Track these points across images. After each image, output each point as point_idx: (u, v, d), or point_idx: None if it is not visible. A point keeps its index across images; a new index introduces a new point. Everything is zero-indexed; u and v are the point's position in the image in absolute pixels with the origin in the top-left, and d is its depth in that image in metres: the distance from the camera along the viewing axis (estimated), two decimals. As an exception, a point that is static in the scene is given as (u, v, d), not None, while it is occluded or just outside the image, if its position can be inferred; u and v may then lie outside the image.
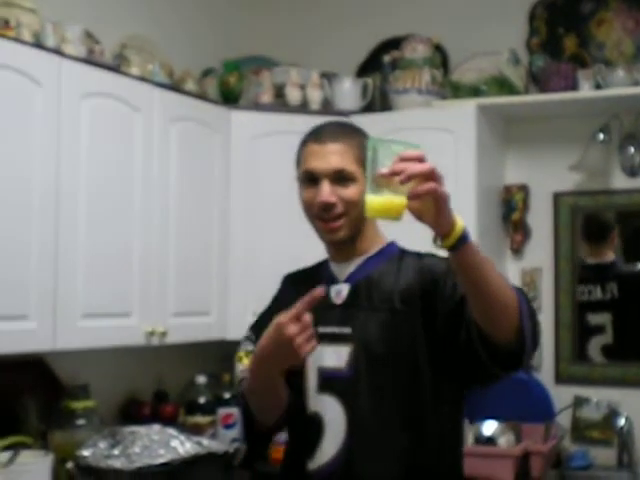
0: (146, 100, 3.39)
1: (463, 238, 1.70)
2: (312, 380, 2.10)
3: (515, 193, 4.07)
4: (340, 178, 2.04)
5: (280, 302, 2.21)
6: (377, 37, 4.43)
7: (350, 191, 2.04)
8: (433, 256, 2.05)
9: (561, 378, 4.00)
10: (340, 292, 2.12)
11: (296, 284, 2.23)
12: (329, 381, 2.07)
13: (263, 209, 3.81)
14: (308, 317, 1.86)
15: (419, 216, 1.67)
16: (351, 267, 2.13)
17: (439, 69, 4.06)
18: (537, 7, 4.12)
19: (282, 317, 1.87)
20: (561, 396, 3.93)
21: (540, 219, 4.09)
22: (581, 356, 3.99)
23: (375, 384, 2.03)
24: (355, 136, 2.12)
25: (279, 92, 4.04)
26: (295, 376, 2.08)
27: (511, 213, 4.06)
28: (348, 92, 4.07)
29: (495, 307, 1.78)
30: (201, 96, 3.78)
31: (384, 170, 1.66)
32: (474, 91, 3.94)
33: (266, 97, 4.00)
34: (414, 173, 1.63)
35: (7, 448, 2.90)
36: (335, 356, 2.07)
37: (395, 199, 1.67)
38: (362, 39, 4.45)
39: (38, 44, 3.03)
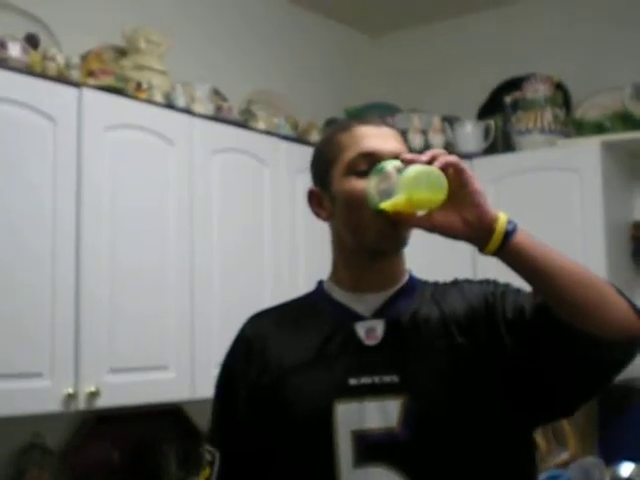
0: (273, 153, 3.48)
1: (509, 232, 1.44)
2: (345, 451, 1.54)
3: (645, 229, 4.00)
4: None
5: (252, 352, 1.67)
6: (497, 78, 4.44)
7: None
8: (469, 281, 1.71)
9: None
10: (373, 330, 1.61)
11: (282, 324, 1.71)
12: (377, 448, 1.54)
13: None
14: None
15: (453, 222, 1.45)
16: (377, 300, 1.64)
17: (561, 107, 4.04)
18: (659, 39, 4.08)
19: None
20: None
21: (672, 255, 4.00)
22: None
23: (445, 446, 1.54)
24: None
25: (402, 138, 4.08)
26: (296, 456, 1.59)
27: (641, 249, 4.00)
28: (470, 135, 4.09)
29: (579, 293, 1.44)
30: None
31: (406, 155, 1.49)
32: (598, 128, 3.90)
33: (389, 144, 4.05)
34: (437, 153, 1.45)
35: (150, 495, 2.99)
36: (381, 414, 1.54)
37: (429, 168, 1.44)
38: (482, 81, 4.47)
39: (169, 104, 3.16)
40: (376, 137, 1.61)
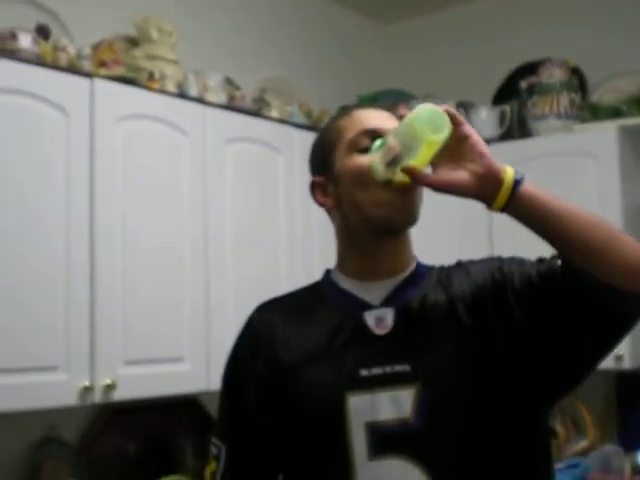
0: (286, 141, 3.46)
1: (518, 180, 1.44)
2: (359, 443, 1.51)
3: (663, 213, 3.96)
4: None
5: (260, 342, 1.65)
6: (512, 63, 4.41)
7: None
8: (472, 261, 1.67)
9: None
10: (382, 319, 1.57)
11: (290, 314, 1.67)
12: (392, 439, 1.51)
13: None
14: None
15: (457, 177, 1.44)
16: (384, 288, 1.61)
17: (577, 92, 3.99)
18: (676, 22, 4.03)
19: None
20: None
21: (691, 239, 3.95)
22: None
23: (459, 432, 1.51)
24: None
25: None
26: (312, 451, 1.57)
27: (660, 234, 3.95)
28: (486, 120, 4.05)
29: (593, 234, 1.44)
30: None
31: (404, 111, 1.51)
32: (614, 112, 3.86)
33: (403, 131, 4.02)
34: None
35: (166, 487, 2.99)
36: (393, 404, 1.51)
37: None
38: (497, 66, 4.44)
39: (182, 94, 3.14)
40: (376, 117, 1.61)
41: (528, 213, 1.45)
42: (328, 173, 1.63)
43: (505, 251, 1.68)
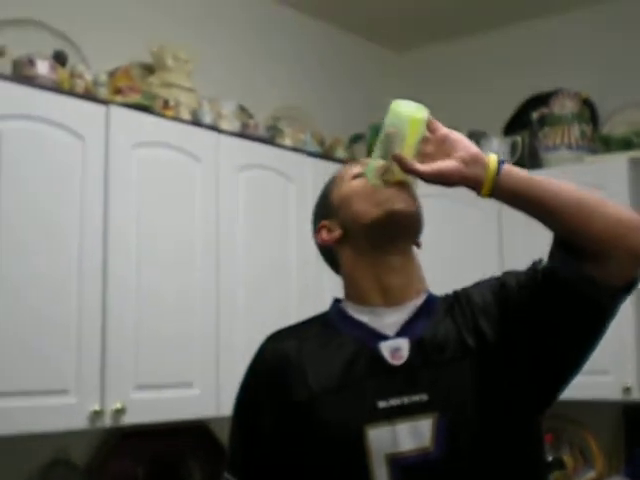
0: (299, 170, 3.48)
1: (501, 161, 1.51)
2: (381, 476, 1.51)
3: (673, 246, 3.95)
4: None
5: (274, 375, 1.63)
6: (524, 93, 4.43)
7: None
8: (471, 286, 1.68)
9: None
10: (398, 350, 1.57)
11: (303, 345, 1.64)
12: (412, 470, 1.50)
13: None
14: None
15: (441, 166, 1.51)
16: (396, 317, 1.61)
17: (588, 123, 4.01)
18: (687, 55, 4.05)
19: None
20: None
21: (701, 272, 3.94)
22: None
23: (477, 457, 1.51)
24: None
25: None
26: None
27: (670, 267, 3.93)
28: (497, 151, 4.04)
29: (578, 204, 1.50)
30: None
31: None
32: (625, 144, 3.87)
33: (415, 159, 4.04)
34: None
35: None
36: (413, 434, 1.51)
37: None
38: (509, 96, 4.46)
39: (196, 122, 3.17)
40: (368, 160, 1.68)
41: (515, 190, 1.50)
42: (330, 213, 1.68)
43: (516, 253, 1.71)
